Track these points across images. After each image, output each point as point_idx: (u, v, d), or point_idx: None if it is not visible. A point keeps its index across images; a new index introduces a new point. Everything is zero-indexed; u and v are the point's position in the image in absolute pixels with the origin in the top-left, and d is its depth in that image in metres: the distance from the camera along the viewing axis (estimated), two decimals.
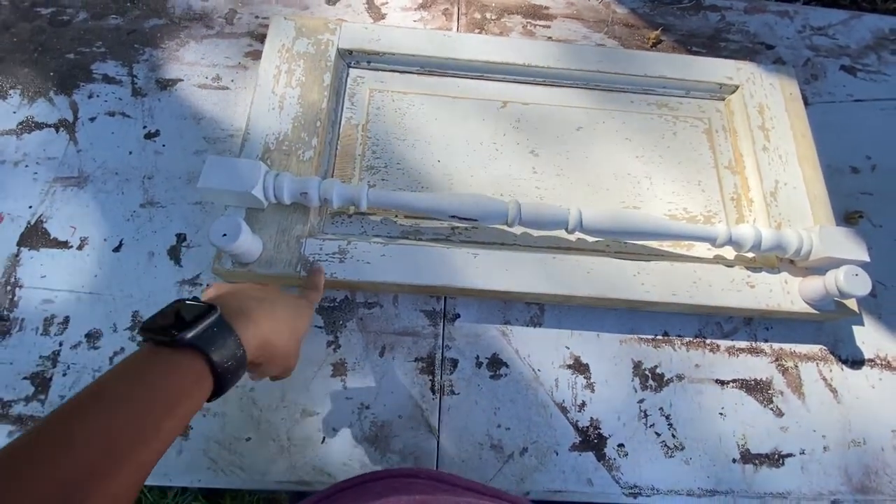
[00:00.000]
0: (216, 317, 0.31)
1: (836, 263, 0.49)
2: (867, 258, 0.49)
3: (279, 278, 0.49)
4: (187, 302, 0.32)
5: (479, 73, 0.61)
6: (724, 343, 0.53)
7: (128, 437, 0.25)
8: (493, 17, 0.68)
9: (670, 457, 0.48)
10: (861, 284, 0.46)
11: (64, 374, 0.47)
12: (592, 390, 0.50)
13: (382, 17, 0.67)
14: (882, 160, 0.63)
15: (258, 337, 0.33)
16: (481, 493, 0.38)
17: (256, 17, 0.65)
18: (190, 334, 0.29)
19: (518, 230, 0.53)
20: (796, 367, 0.53)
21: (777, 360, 0.53)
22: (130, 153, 0.56)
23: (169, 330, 0.29)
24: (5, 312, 0.49)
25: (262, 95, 0.55)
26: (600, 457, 0.48)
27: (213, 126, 0.58)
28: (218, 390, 0.31)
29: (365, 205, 0.48)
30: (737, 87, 0.61)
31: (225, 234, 0.43)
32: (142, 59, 0.61)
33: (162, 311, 0.31)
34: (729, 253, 0.54)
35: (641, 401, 0.50)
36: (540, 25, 0.69)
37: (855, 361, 0.54)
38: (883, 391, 0.53)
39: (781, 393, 0.52)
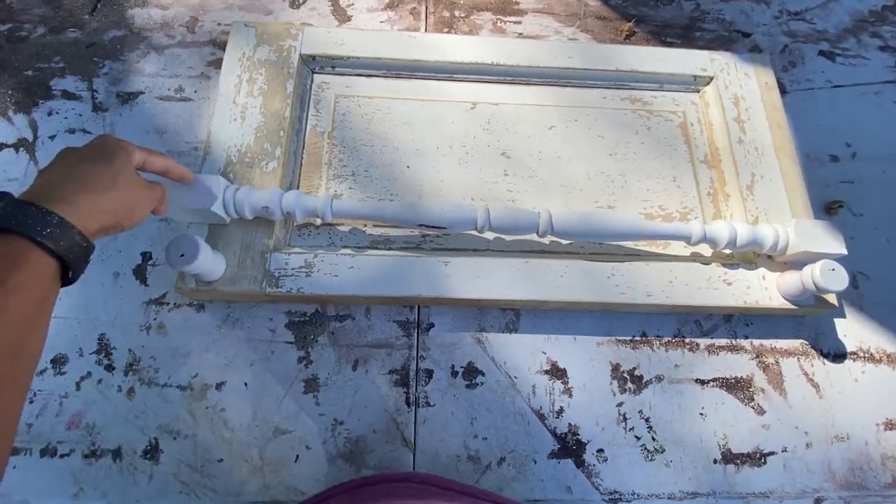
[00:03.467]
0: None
1: (815, 257, 0.48)
2: (845, 251, 0.48)
3: (244, 295, 0.48)
4: None
5: (448, 74, 0.59)
6: (703, 341, 0.52)
7: None
8: (463, 15, 0.67)
9: (650, 460, 0.48)
10: (838, 279, 0.45)
11: (31, 402, 0.46)
12: (570, 395, 0.49)
13: (348, 19, 0.65)
14: (862, 147, 0.62)
15: (85, 212, 0.31)
16: (477, 496, 0.37)
17: (219, 24, 0.64)
18: None
19: (490, 235, 0.52)
20: (777, 363, 0.52)
21: (758, 356, 0.52)
22: None
23: None
24: None
25: (222, 106, 0.53)
26: (579, 463, 0.47)
27: (176, 139, 0.57)
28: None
29: (330, 217, 0.47)
30: (711, 78, 0.59)
31: (182, 255, 0.42)
32: (102, 72, 0.60)
33: None
34: (705, 249, 0.53)
35: (620, 404, 0.49)
36: (510, 21, 0.67)
37: (837, 355, 0.53)
38: (866, 384, 0.52)
39: (762, 390, 0.51)
